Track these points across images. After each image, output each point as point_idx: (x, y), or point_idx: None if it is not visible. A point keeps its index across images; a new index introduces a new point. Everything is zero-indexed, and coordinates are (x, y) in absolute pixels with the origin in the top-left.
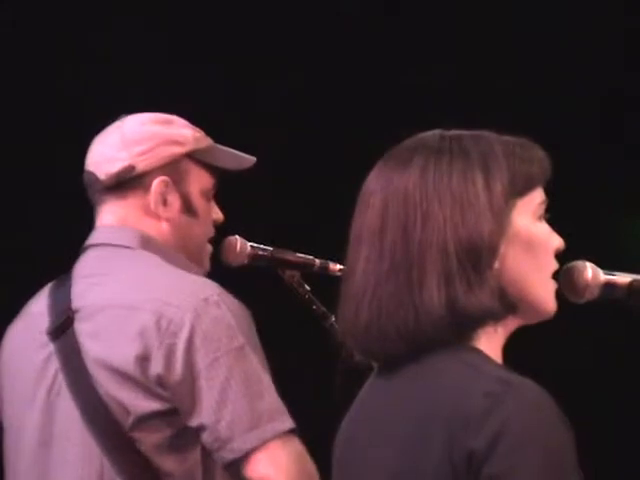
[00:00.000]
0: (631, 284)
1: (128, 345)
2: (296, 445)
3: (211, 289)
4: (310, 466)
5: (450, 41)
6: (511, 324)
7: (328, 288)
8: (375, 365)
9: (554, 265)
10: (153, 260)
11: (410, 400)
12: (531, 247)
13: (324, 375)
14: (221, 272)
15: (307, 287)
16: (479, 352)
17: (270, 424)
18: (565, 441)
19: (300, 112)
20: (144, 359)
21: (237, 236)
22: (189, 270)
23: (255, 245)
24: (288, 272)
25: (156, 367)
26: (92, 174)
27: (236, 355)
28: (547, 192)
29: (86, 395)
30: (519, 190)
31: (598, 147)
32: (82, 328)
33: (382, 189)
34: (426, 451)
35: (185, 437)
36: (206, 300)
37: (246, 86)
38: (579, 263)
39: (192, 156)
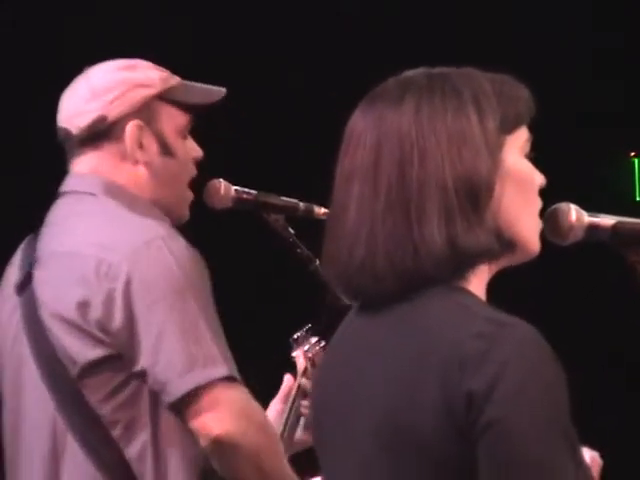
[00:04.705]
0: (614, 226)
1: (71, 291)
2: (234, 393)
3: (156, 232)
4: (253, 413)
5: (450, 41)
6: (500, 264)
7: (312, 232)
8: (355, 305)
9: (539, 202)
10: (110, 206)
11: (402, 339)
12: (521, 184)
13: (307, 318)
14: (205, 216)
15: (291, 230)
16: (469, 293)
17: (204, 369)
18: (560, 379)
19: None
20: (85, 305)
21: (221, 179)
22: (152, 216)
23: (239, 189)
24: (272, 216)
25: (96, 312)
26: (64, 129)
27: (174, 299)
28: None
29: (40, 344)
30: (508, 127)
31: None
32: (38, 276)
33: (374, 127)
34: (421, 389)
35: (131, 385)
36: (148, 243)
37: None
38: (563, 205)
39: (162, 97)
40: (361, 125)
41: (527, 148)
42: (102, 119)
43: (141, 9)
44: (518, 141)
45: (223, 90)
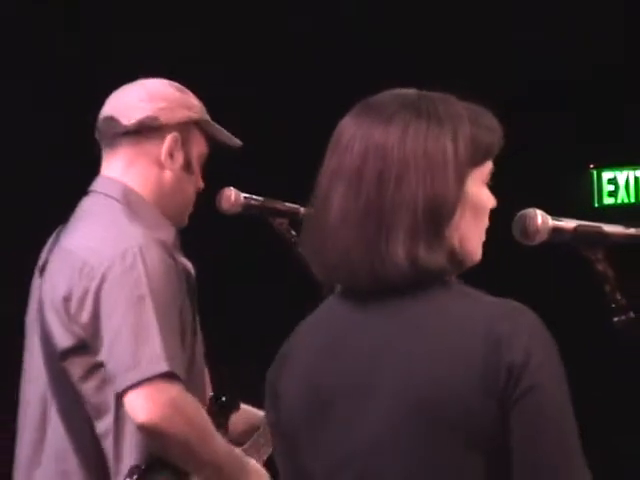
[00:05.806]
0: (576, 229)
1: (62, 285)
2: (170, 388)
3: (135, 242)
4: (184, 405)
5: (450, 42)
6: (450, 275)
7: None
8: (340, 291)
9: (487, 222)
10: (116, 213)
11: (423, 324)
12: (477, 212)
13: (306, 310)
14: (218, 220)
15: (294, 233)
16: (462, 284)
17: (147, 366)
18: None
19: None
20: (68, 299)
21: (232, 188)
22: (156, 226)
23: (248, 196)
24: (277, 220)
25: (73, 307)
26: (113, 118)
27: (134, 304)
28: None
29: (41, 323)
30: (478, 160)
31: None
32: (49, 265)
33: (362, 138)
34: (451, 366)
35: (100, 371)
36: (124, 252)
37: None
38: (530, 210)
39: (199, 124)
40: (351, 131)
41: (488, 178)
42: (153, 119)
43: (141, 9)
44: (482, 173)
45: (239, 142)
